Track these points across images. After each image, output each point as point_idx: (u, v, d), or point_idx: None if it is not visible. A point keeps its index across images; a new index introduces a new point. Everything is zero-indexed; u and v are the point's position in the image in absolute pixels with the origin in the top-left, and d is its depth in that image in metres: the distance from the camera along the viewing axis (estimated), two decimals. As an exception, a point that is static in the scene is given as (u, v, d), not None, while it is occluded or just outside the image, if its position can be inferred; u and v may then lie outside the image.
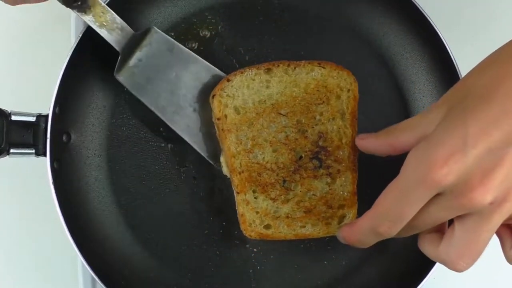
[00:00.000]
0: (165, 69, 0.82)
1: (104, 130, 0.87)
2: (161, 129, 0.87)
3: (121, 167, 0.87)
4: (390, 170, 0.88)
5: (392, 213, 0.65)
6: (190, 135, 0.84)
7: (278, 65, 0.83)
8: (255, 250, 0.86)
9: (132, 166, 0.87)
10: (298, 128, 0.82)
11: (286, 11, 0.89)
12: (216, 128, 0.83)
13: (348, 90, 0.83)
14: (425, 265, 0.83)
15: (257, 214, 0.81)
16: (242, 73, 0.82)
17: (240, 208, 0.81)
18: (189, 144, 0.85)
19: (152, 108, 0.83)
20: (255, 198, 0.81)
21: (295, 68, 0.83)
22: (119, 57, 0.81)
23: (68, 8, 0.75)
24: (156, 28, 0.82)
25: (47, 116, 0.80)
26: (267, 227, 0.82)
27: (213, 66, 0.84)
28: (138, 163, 0.87)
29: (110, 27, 0.79)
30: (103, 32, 0.79)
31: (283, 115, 0.82)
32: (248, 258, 0.86)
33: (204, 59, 0.84)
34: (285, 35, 0.89)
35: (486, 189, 0.59)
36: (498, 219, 0.62)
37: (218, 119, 0.81)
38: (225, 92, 0.82)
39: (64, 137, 0.84)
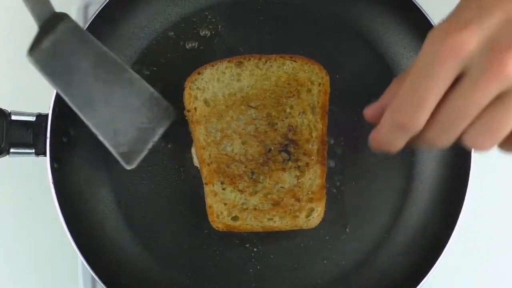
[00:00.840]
0: (76, 59, 0.77)
1: (104, 130, 0.87)
2: (161, 129, 0.87)
3: (121, 167, 0.86)
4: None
5: (412, 97, 0.57)
6: (102, 130, 0.79)
7: (249, 59, 0.83)
8: (255, 250, 0.86)
9: (132, 166, 0.87)
10: (268, 121, 0.82)
11: (286, 11, 0.89)
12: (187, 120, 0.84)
13: (319, 84, 0.83)
14: (425, 265, 0.83)
15: (225, 206, 0.82)
16: (212, 66, 0.83)
17: (208, 200, 0.82)
18: (189, 144, 0.85)
19: (62, 95, 0.78)
20: (223, 189, 0.82)
21: (266, 61, 0.83)
22: (37, 34, 0.75)
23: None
24: (70, 17, 0.77)
25: (47, 115, 0.80)
26: (235, 219, 0.82)
27: (139, 77, 0.80)
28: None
29: (36, 1, 0.73)
30: (27, 4, 0.73)
31: (253, 107, 0.82)
32: (248, 258, 0.86)
33: (204, 59, 0.84)
34: (285, 34, 0.89)
35: None
36: None
37: (188, 111, 0.82)
38: (195, 84, 0.82)
39: (64, 137, 0.84)
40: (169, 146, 0.87)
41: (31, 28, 0.96)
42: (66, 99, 0.77)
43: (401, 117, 0.58)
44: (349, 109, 0.88)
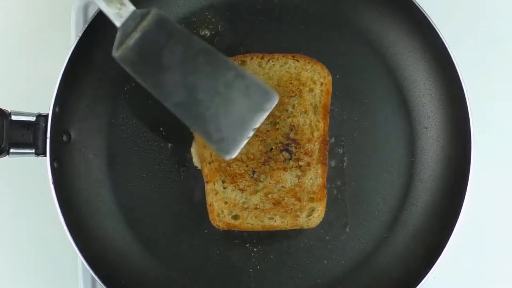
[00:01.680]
0: (167, 54, 0.75)
1: (104, 130, 0.87)
2: (161, 128, 0.87)
3: (121, 166, 0.87)
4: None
5: None
6: (198, 123, 0.75)
7: (252, 58, 0.84)
8: (255, 250, 0.86)
9: (132, 166, 0.87)
10: (269, 120, 0.82)
11: (286, 10, 0.89)
12: None
13: (321, 84, 0.83)
14: (425, 265, 0.83)
15: (225, 204, 0.82)
16: None
17: (209, 198, 0.82)
18: (189, 144, 0.85)
19: (153, 93, 0.76)
20: (224, 188, 0.82)
21: (268, 60, 0.84)
22: (118, 34, 0.75)
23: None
24: (158, 10, 0.75)
25: (47, 115, 0.80)
26: (235, 217, 0.82)
27: (229, 60, 0.76)
28: (138, 163, 0.87)
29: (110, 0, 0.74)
30: (101, 4, 0.73)
31: None
32: (248, 258, 0.86)
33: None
34: (285, 34, 0.89)
35: None
36: None
37: None
38: None
39: (64, 137, 0.84)
40: (169, 146, 0.87)
41: (31, 28, 0.96)
42: (159, 97, 0.75)
43: None
44: (349, 108, 0.88)
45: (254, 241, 0.86)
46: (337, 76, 0.88)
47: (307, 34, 0.89)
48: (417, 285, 0.83)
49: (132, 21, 0.74)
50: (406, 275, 0.86)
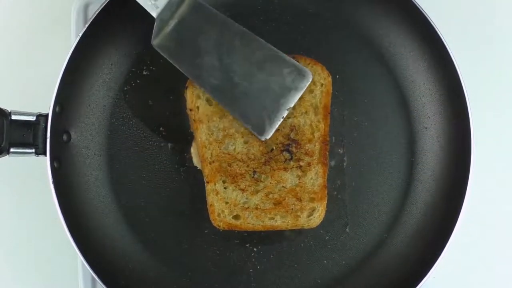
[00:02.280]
0: (204, 38, 0.79)
1: (104, 130, 0.87)
2: (161, 128, 0.87)
3: (121, 166, 0.87)
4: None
5: None
6: (235, 106, 0.79)
7: None
8: (255, 250, 0.86)
9: (132, 166, 0.87)
10: None
11: (286, 10, 0.89)
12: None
13: (322, 85, 0.83)
14: (425, 265, 0.83)
15: (226, 204, 0.82)
16: None
17: (210, 198, 0.82)
18: (189, 144, 0.85)
19: (190, 77, 0.80)
20: (225, 188, 0.82)
21: None
22: (156, 24, 0.78)
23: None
24: None
25: (47, 115, 0.80)
26: (236, 217, 0.82)
27: (263, 41, 0.80)
28: (138, 163, 0.87)
29: None
30: None
31: None
32: (248, 258, 0.86)
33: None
34: (285, 34, 0.89)
35: None
36: None
37: (190, 110, 0.82)
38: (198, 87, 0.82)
39: (64, 137, 0.84)
40: (169, 146, 0.87)
41: (31, 28, 0.96)
42: (197, 81, 0.79)
43: None
44: (349, 108, 0.88)
45: (254, 241, 0.86)
46: (337, 76, 0.88)
47: (307, 34, 0.89)
48: (417, 285, 0.83)
49: (168, 10, 0.77)
50: (406, 275, 0.86)
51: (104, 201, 0.86)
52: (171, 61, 0.79)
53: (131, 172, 0.87)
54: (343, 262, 0.87)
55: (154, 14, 0.77)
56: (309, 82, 0.78)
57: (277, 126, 0.79)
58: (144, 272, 0.86)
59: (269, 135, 0.79)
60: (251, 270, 0.86)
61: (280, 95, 0.79)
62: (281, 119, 0.79)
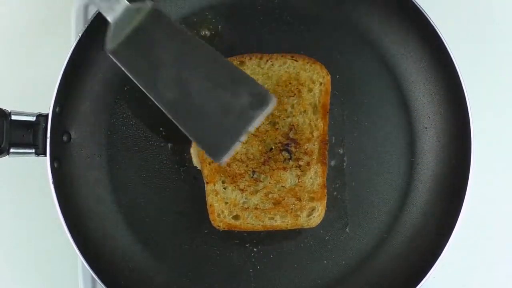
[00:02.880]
0: (161, 49, 0.73)
1: (104, 130, 0.87)
2: (161, 128, 0.87)
3: (121, 166, 0.87)
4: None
5: None
6: (188, 123, 0.73)
7: (251, 58, 0.84)
8: (255, 250, 0.86)
9: (132, 166, 0.87)
10: (269, 120, 0.83)
11: (286, 10, 0.89)
12: None
13: (321, 84, 0.83)
14: (425, 265, 0.83)
15: (226, 205, 0.82)
16: None
17: (209, 199, 0.82)
18: (189, 144, 0.85)
19: (144, 90, 0.74)
20: (224, 188, 0.82)
21: (267, 60, 0.84)
22: (110, 28, 0.73)
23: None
24: (153, 4, 0.73)
25: (47, 115, 0.80)
26: (236, 218, 0.82)
27: (225, 59, 0.73)
28: (138, 163, 0.87)
29: None
30: None
31: None
32: (248, 258, 0.86)
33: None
34: (284, 34, 0.89)
35: None
36: None
37: None
38: None
39: (64, 137, 0.85)
40: (169, 146, 0.87)
41: (31, 28, 0.96)
42: (150, 94, 0.73)
43: None
44: (349, 108, 0.88)
45: (254, 241, 0.86)
46: (337, 76, 0.88)
47: (307, 34, 0.89)
48: (417, 285, 0.83)
49: (125, 16, 0.73)
50: (406, 275, 0.86)
51: (104, 201, 0.86)
52: (124, 70, 0.74)
53: (131, 172, 0.87)
54: (343, 262, 0.87)
55: (109, 18, 0.73)
56: (272, 107, 0.71)
57: (233, 150, 0.72)
58: (144, 272, 0.86)
59: (223, 159, 0.71)
60: (251, 270, 0.86)
61: (239, 118, 0.71)
62: (238, 144, 0.72)
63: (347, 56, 0.89)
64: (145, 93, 0.87)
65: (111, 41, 0.73)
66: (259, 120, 0.71)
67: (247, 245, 0.87)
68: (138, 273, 0.86)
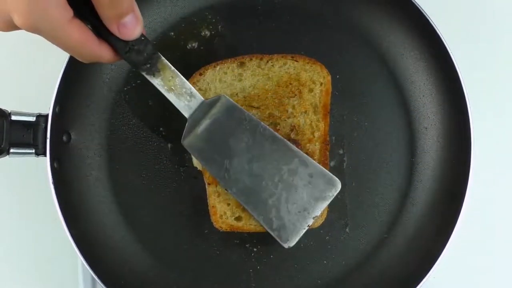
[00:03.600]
0: (235, 141, 0.77)
1: (104, 130, 0.87)
2: (161, 128, 0.87)
3: (121, 166, 0.87)
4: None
5: None
6: (263, 213, 0.79)
7: (251, 59, 0.84)
8: (255, 250, 0.86)
9: (132, 166, 0.87)
10: (270, 120, 0.82)
11: (286, 11, 0.89)
12: None
13: (321, 84, 0.83)
14: (425, 265, 0.83)
15: (228, 206, 0.82)
16: (214, 67, 0.83)
17: (211, 200, 0.82)
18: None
19: (217, 178, 0.79)
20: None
21: (268, 61, 0.84)
22: (187, 124, 0.77)
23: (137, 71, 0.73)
24: (227, 97, 0.77)
25: (47, 116, 0.80)
26: (238, 219, 0.82)
27: (293, 147, 0.78)
28: (138, 163, 0.87)
29: (179, 92, 0.74)
30: (171, 97, 0.74)
31: (256, 107, 0.82)
32: (248, 258, 0.86)
33: (205, 59, 0.84)
34: (284, 34, 0.89)
35: None
36: None
37: None
38: (197, 85, 0.82)
39: (64, 137, 0.85)
40: (169, 146, 0.87)
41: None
42: (223, 182, 0.78)
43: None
44: (349, 108, 0.88)
45: (254, 241, 0.86)
46: (337, 76, 0.88)
47: (307, 34, 0.89)
48: (417, 285, 0.83)
49: (201, 111, 0.76)
50: (406, 275, 0.86)
51: (104, 201, 0.86)
52: (199, 161, 0.79)
53: (131, 172, 0.87)
54: (343, 262, 0.87)
55: (186, 114, 0.76)
56: (337, 192, 0.78)
57: (301, 234, 0.78)
58: (144, 272, 0.86)
59: (292, 243, 0.78)
60: (251, 270, 0.86)
61: (307, 204, 0.78)
62: (307, 228, 0.78)
63: (347, 56, 0.89)
64: (145, 93, 0.87)
65: (187, 136, 0.77)
66: (325, 205, 0.79)
67: (247, 245, 0.86)
68: (138, 273, 0.85)
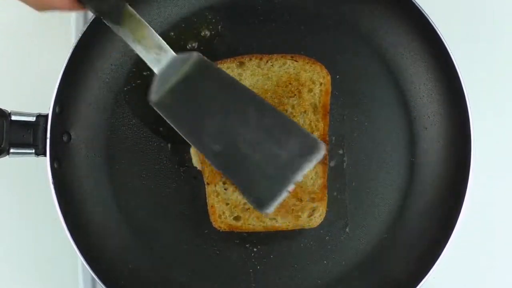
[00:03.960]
0: (208, 100, 0.71)
1: (104, 130, 0.87)
2: (161, 129, 0.87)
3: (121, 166, 0.87)
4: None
5: None
6: (235, 173, 0.71)
7: (251, 59, 0.84)
8: (255, 250, 0.86)
9: (132, 166, 0.87)
10: None
11: (286, 11, 0.89)
12: None
13: (321, 84, 0.83)
14: (425, 265, 0.83)
15: (227, 206, 0.82)
16: None
17: (210, 200, 0.82)
18: (189, 144, 0.85)
19: (189, 141, 0.72)
20: (225, 189, 0.82)
21: (267, 61, 0.84)
22: (156, 79, 0.71)
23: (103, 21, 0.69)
24: (200, 54, 0.72)
25: (47, 116, 0.80)
26: (237, 218, 0.82)
27: (275, 108, 0.72)
28: (138, 163, 0.87)
29: (148, 45, 0.70)
30: (139, 49, 0.70)
31: None
32: (248, 258, 0.86)
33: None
34: (284, 35, 0.89)
35: None
36: None
37: None
38: None
39: (64, 137, 0.85)
40: (169, 146, 0.87)
41: (31, 28, 0.96)
42: (196, 145, 0.72)
43: None
44: (349, 108, 0.88)
45: (254, 241, 0.86)
46: (337, 76, 0.88)
47: (307, 34, 0.89)
48: (417, 285, 0.83)
49: (172, 67, 0.71)
50: (406, 275, 0.86)
51: (104, 201, 0.86)
52: (168, 121, 0.72)
53: (131, 172, 0.87)
54: (343, 262, 0.87)
55: (155, 69, 0.71)
56: (321, 155, 0.69)
57: (280, 200, 0.70)
58: (144, 272, 0.86)
59: (270, 209, 0.70)
60: (251, 270, 0.86)
61: (287, 167, 0.69)
62: (286, 193, 0.70)
63: (347, 56, 0.89)
64: (145, 93, 0.87)
65: (156, 93, 0.71)
66: (309, 168, 0.70)
67: (247, 245, 0.86)
68: (138, 273, 0.86)
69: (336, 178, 0.87)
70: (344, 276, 0.87)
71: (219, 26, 0.89)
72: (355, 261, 0.87)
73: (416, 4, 0.85)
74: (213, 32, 0.89)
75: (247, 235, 0.86)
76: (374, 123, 0.88)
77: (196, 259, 0.86)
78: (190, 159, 0.86)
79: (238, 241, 0.86)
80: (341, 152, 0.88)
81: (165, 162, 0.87)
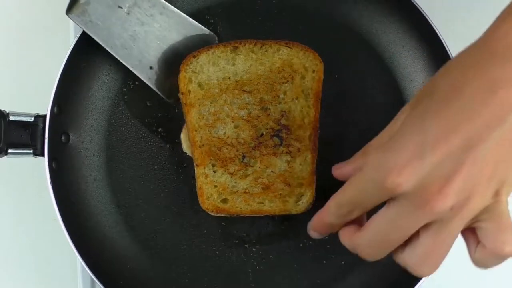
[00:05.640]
0: (124, 11, 0.82)
1: (103, 130, 0.87)
2: (160, 129, 0.87)
3: (120, 167, 0.87)
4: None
5: (349, 201, 0.63)
6: (142, 71, 0.84)
7: (245, 44, 0.84)
8: (254, 249, 0.86)
9: (131, 166, 0.87)
10: (261, 105, 0.83)
11: (285, 10, 0.89)
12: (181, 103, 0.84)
13: (313, 71, 0.84)
14: (425, 265, 0.82)
15: (215, 188, 0.82)
16: (208, 50, 0.84)
17: (199, 182, 0.82)
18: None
19: (107, 48, 0.82)
20: (214, 172, 0.82)
21: (261, 46, 0.84)
22: None
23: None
24: None
25: (45, 116, 0.81)
26: (224, 201, 0.82)
27: (192, 21, 0.86)
28: (137, 163, 0.87)
29: None
30: None
31: (247, 92, 0.83)
32: (248, 258, 0.86)
33: (202, 58, 0.85)
34: (283, 34, 0.88)
35: (446, 197, 0.55)
36: (458, 224, 0.59)
37: (182, 93, 0.83)
38: (190, 68, 0.83)
39: (63, 137, 0.85)
40: (168, 146, 0.87)
41: (30, 28, 0.96)
42: (111, 51, 0.82)
43: (341, 209, 0.64)
44: (348, 108, 0.88)
45: (254, 241, 0.86)
46: (336, 76, 0.88)
47: (306, 34, 0.89)
48: (416, 285, 0.82)
49: None
50: (406, 275, 0.85)
51: (103, 201, 0.86)
52: (88, 33, 0.81)
53: (130, 172, 0.87)
54: (343, 262, 0.87)
55: None
56: (213, 43, 0.84)
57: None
58: (143, 272, 0.86)
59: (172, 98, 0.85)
60: (250, 270, 0.86)
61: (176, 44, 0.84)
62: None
63: (346, 55, 0.89)
64: (145, 94, 0.87)
65: (71, 6, 0.80)
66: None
67: (246, 245, 0.86)
68: (137, 273, 0.86)
69: (336, 179, 0.87)
70: (344, 276, 0.87)
71: (218, 26, 0.89)
72: (355, 261, 0.86)
73: (416, 4, 0.85)
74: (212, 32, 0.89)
75: (246, 235, 0.86)
76: (374, 123, 0.88)
77: (196, 259, 0.86)
78: (190, 159, 0.86)
79: (237, 241, 0.86)
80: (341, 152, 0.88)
81: (164, 162, 0.87)
